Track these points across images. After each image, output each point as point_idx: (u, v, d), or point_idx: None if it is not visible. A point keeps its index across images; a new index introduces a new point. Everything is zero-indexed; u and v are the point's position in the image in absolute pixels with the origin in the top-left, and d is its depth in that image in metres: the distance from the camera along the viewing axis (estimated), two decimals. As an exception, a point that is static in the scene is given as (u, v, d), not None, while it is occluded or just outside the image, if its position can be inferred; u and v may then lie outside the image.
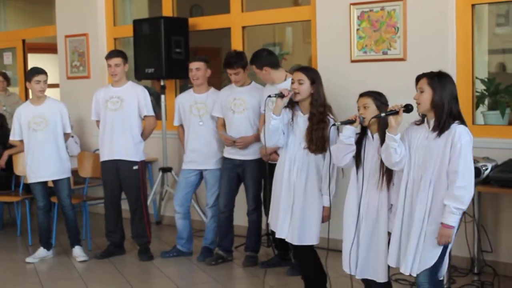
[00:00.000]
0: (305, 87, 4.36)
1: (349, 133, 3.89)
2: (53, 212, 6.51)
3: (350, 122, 3.88)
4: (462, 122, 3.52)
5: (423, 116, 3.62)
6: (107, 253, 6.02)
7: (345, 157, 3.94)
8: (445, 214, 3.45)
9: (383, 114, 3.68)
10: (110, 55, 5.87)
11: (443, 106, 3.49)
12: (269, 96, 4.52)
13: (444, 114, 3.48)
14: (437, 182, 3.50)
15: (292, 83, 4.41)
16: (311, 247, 4.48)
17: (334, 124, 4.14)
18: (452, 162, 3.44)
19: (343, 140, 3.91)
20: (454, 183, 3.42)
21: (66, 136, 6.05)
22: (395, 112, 3.59)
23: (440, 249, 3.52)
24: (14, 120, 6.00)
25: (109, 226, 6.05)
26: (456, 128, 3.46)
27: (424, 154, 3.56)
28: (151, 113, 5.91)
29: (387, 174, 3.82)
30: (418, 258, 3.54)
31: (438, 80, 3.53)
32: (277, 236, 4.54)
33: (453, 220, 3.44)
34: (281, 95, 4.35)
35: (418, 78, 3.61)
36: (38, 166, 5.88)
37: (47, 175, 5.92)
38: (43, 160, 5.86)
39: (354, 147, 3.92)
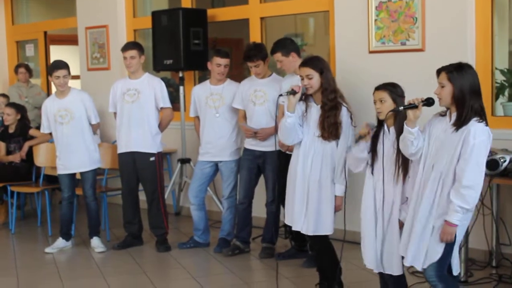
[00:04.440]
0: (315, 80, 4.31)
1: (362, 147, 3.92)
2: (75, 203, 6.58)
3: (362, 137, 3.91)
4: (483, 119, 3.43)
5: (447, 108, 3.55)
6: (124, 244, 6.05)
7: (359, 166, 3.99)
8: (450, 212, 3.40)
9: (401, 108, 3.62)
10: (126, 48, 5.87)
11: (464, 101, 3.41)
12: (280, 95, 4.50)
13: (466, 109, 3.41)
14: (446, 176, 3.45)
15: (302, 79, 4.35)
16: (325, 238, 4.45)
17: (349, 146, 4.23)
18: (462, 160, 3.38)
19: (357, 155, 3.96)
20: (460, 182, 3.36)
21: (94, 126, 6.06)
22: (414, 106, 3.52)
23: (444, 244, 3.47)
24: (42, 114, 6.06)
25: (127, 217, 6.09)
26: (472, 126, 3.38)
27: (439, 146, 3.51)
28: (168, 104, 5.92)
29: (403, 167, 3.78)
30: (423, 251, 3.49)
31: (457, 74, 3.45)
32: (293, 229, 4.51)
33: (456, 218, 3.39)
34: (293, 92, 4.29)
35: (438, 72, 3.54)
36: (67, 159, 5.93)
37: (76, 167, 5.98)
38: (71, 152, 5.91)
39: (367, 157, 3.93)
